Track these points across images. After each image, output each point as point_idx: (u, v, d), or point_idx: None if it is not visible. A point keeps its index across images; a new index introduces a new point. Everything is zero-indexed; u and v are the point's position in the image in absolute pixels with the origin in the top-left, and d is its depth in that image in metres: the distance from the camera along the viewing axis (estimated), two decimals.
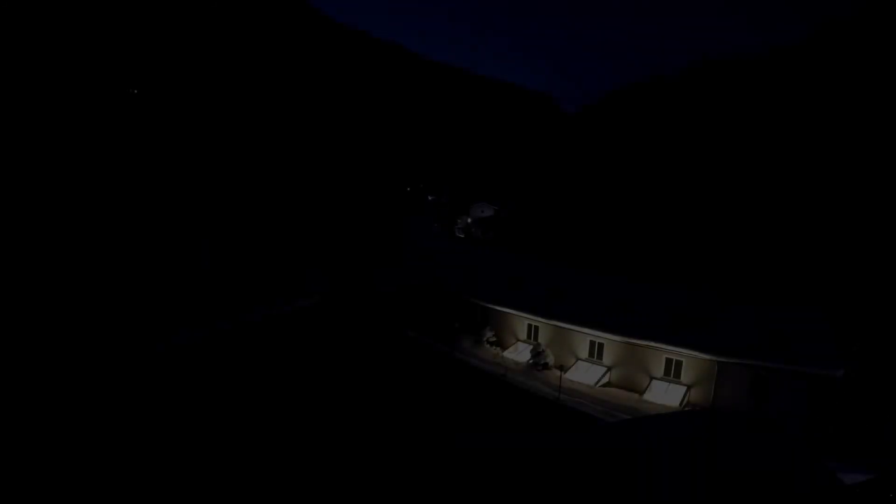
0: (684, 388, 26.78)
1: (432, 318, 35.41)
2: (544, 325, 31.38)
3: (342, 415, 17.73)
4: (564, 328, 30.45)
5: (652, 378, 27.86)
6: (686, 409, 26.04)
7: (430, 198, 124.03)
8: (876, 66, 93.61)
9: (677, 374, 27.33)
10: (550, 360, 30.22)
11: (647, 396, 26.76)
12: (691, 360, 26.79)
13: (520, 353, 31.43)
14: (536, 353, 30.54)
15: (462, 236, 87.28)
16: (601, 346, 29.46)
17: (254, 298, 23.85)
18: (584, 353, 30.11)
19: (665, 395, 26.48)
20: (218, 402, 15.59)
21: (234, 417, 15.35)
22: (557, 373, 27.46)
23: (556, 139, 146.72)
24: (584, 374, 28.83)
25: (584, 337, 30.00)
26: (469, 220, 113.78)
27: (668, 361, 27.48)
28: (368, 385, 23.75)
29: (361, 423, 17.24)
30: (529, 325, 32.26)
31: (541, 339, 31.67)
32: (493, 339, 33.18)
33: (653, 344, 27.40)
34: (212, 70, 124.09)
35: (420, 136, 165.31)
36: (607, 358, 29.34)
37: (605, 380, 28.78)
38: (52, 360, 14.98)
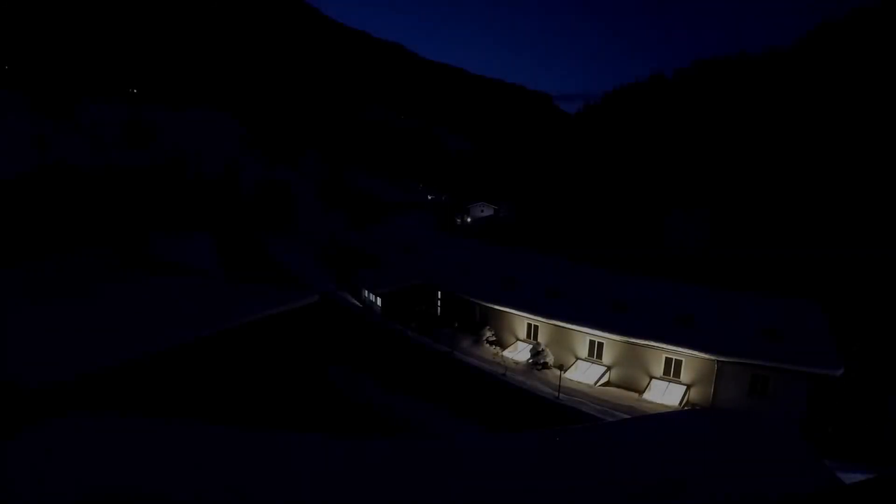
0: (684, 388, 26.75)
1: (431, 318, 35.39)
2: (544, 325, 31.34)
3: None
4: (564, 327, 30.41)
5: (651, 377, 27.83)
6: (685, 408, 26.01)
7: (429, 197, 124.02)
8: (869, 65, 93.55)
9: (677, 374, 27.30)
10: (550, 359, 30.19)
11: (647, 396, 26.73)
12: (691, 360, 26.75)
13: (519, 353, 31.40)
14: (536, 352, 30.51)
15: (461, 236, 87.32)
16: (601, 345, 29.43)
17: None
18: (584, 353, 30.08)
19: (664, 395, 26.45)
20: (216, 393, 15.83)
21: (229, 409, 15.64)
22: (557, 372, 27.43)
23: (556, 139, 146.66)
24: (584, 374, 28.80)
25: (583, 336, 29.97)
26: (468, 220, 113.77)
27: (668, 361, 27.44)
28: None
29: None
30: (529, 325, 32.22)
31: (540, 339, 31.64)
32: (493, 338, 33.15)
33: (652, 343, 27.37)
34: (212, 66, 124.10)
35: (418, 136, 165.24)
36: (607, 357, 29.30)
37: (605, 379, 28.75)
38: None
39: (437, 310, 36.34)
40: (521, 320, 32.47)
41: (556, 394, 25.35)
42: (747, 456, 5.34)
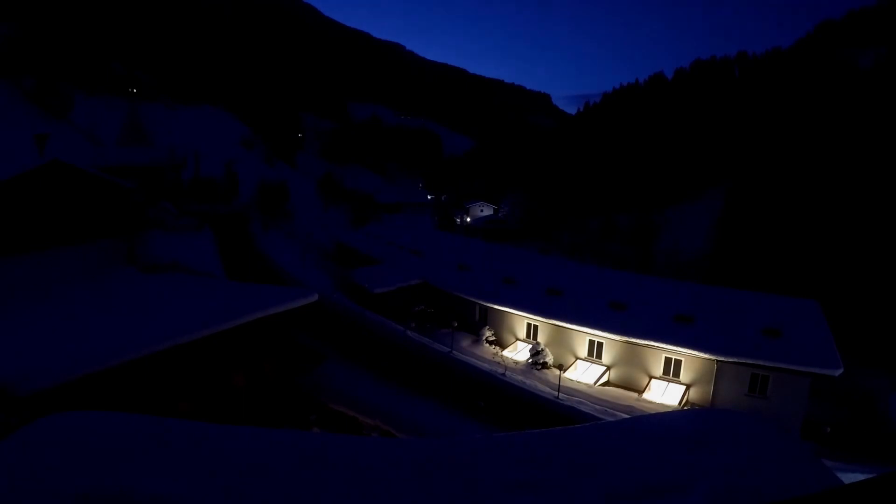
0: (683, 388, 26.72)
1: (430, 317, 35.35)
2: (543, 325, 31.30)
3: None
4: (564, 327, 30.38)
5: (651, 377, 27.80)
6: (685, 408, 25.98)
7: (429, 197, 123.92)
8: (868, 64, 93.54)
9: (676, 374, 27.27)
10: (549, 359, 30.15)
11: (647, 396, 26.71)
12: (690, 360, 26.72)
13: (519, 353, 31.38)
14: (535, 352, 30.47)
15: (461, 235, 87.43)
16: (600, 345, 29.39)
17: None
18: (584, 353, 30.04)
19: (664, 395, 26.43)
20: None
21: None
22: (556, 372, 27.39)
23: (556, 138, 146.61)
24: (584, 374, 28.77)
25: (583, 336, 29.93)
26: (468, 219, 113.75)
27: (668, 360, 27.40)
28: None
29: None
30: (529, 324, 32.19)
31: (540, 339, 31.60)
32: (493, 338, 33.12)
33: (652, 343, 27.33)
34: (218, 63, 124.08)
35: (418, 135, 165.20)
36: (606, 357, 29.27)
37: (605, 379, 28.71)
38: None
39: (436, 309, 36.28)
40: (520, 320, 32.44)
41: (556, 393, 25.32)
42: (746, 456, 5.28)
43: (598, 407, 24.70)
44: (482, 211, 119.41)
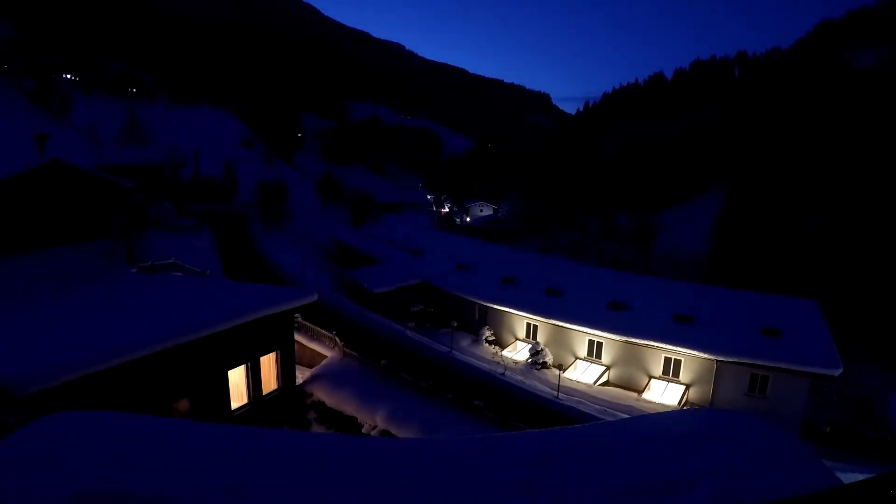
0: (683, 388, 26.72)
1: (430, 317, 35.33)
2: (543, 324, 31.30)
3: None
4: (563, 327, 30.37)
5: (651, 377, 27.79)
6: (684, 408, 25.97)
7: (429, 197, 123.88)
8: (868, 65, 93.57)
9: (676, 374, 27.26)
10: (549, 358, 30.14)
11: (646, 395, 26.70)
12: (690, 360, 26.72)
13: (518, 353, 31.36)
14: (535, 352, 30.46)
15: (461, 235, 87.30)
16: (600, 344, 29.38)
17: None
18: (583, 352, 30.04)
19: (664, 395, 26.43)
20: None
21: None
22: (556, 372, 27.38)
23: (556, 139, 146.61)
24: (583, 373, 28.76)
25: (582, 336, 29.93)
26: (468, 219, 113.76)
27: (667, 360, 27.40)
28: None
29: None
30: (528, 324, 32.18)
31: (540, 338, 31.59)
32: (492, 338, 33.10)
33: (652, 343, 27.32)
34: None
35: (418, 135, 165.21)
36: (606, 357, 29.26)
37: (604, 379, 28.71)
38: None
39: (436, 309, 36.28)
40: (520, 320, 32.43)
41: (556, 393, 25.31)
42: (745, 456, 5.27)
43: (597, 407, 24.69)
44: (482, 211, 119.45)
